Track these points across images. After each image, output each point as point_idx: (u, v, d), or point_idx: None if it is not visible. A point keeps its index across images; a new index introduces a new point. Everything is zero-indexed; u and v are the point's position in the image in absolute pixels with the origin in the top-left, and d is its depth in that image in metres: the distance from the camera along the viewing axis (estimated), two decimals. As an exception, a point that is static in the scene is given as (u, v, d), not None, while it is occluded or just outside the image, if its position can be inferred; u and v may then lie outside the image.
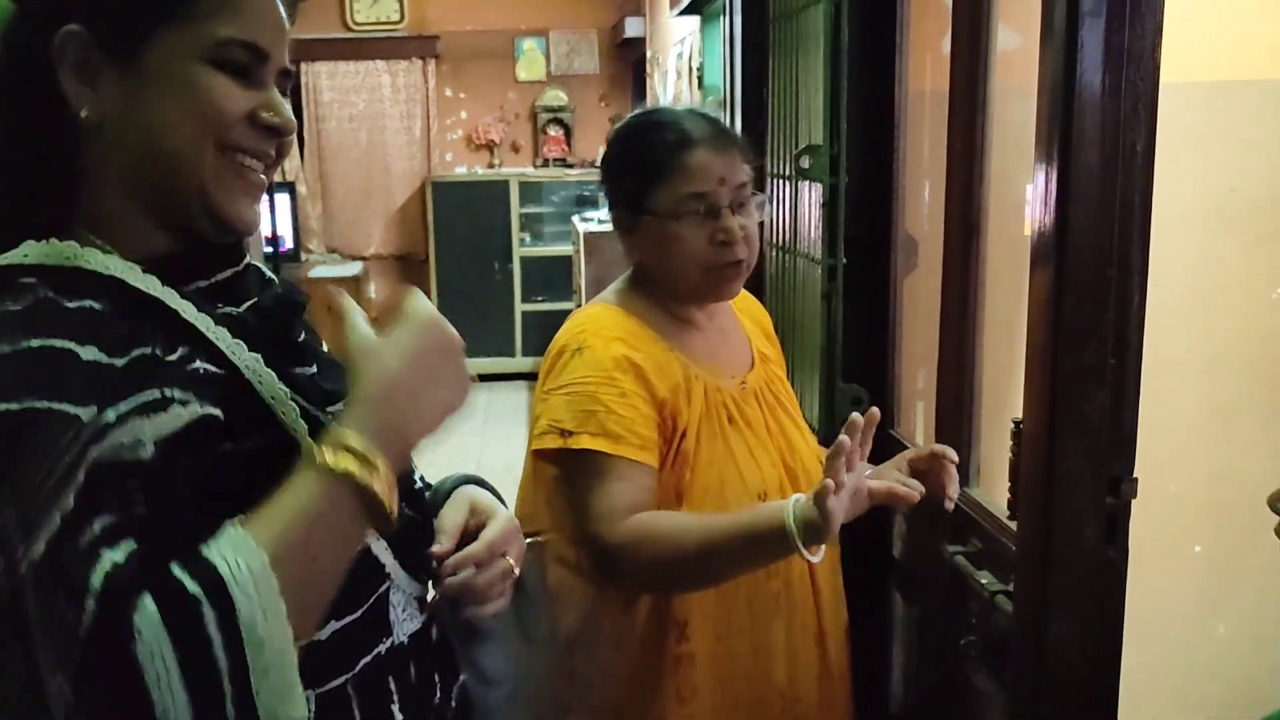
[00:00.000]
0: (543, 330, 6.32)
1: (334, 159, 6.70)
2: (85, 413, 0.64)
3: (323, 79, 6.59)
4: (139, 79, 0.74)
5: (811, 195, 1.73)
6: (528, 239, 6.54)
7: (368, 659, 0.79)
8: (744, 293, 1.47)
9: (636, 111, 1.41)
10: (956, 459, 1.26)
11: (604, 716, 1.33)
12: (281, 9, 0.80)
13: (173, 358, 0.71)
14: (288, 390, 0.77)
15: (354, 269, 6.52)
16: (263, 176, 0.79)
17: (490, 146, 6.83)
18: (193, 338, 0.73)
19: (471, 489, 0.95)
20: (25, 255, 0.73)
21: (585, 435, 1.23)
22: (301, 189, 6.60)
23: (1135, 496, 1.11)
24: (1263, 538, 2.06)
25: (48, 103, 0.74)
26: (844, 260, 1.68)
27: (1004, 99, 1.44)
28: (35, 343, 0.66)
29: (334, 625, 0.76)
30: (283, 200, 6.31)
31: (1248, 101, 1.85)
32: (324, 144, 6.67)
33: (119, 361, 0.68)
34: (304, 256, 6.52)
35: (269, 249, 5.96)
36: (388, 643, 0.81)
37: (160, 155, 0.75)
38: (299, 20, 6.27)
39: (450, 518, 0.90)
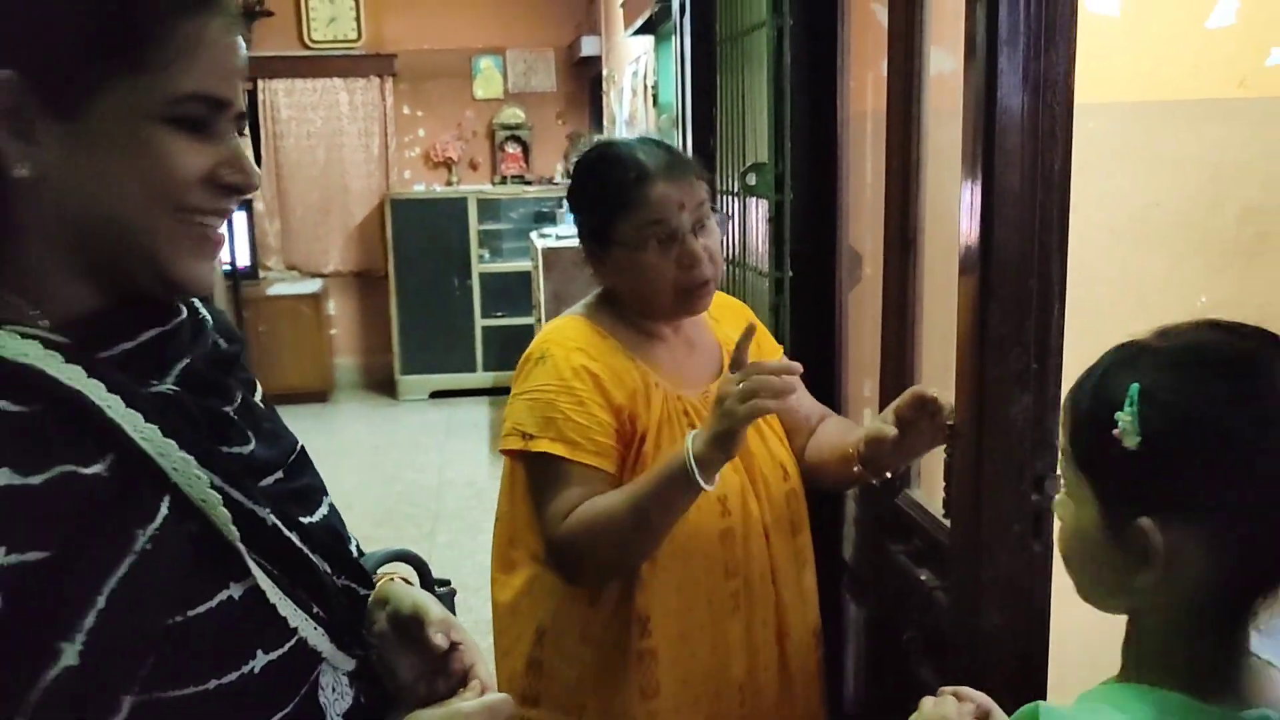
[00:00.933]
0: (503, 345, 6.34)
1: (292, 176, 6.68)
2: None
3: (280, 96, 6.58)
4: (84, 135, 0.67)
5: (758, 211, 1.80)
6: (487, 255, 6.56)
7: None
8: (730, 299, 1.57)
9: (593, 144, 1.48)
10: (936, 394, 1.30)
11: (569, 710, 1.37)
12: (241, 47, 0.73)
13: (95, 469, 0.65)
14: (219, 493, 0.70)
15: (313, 286, 6.51)
16: (221, 232, 0.74)
17: (448, 164, 6.86)
18: (115, 440, 0.66)
19: (424, 595, 0.89)
20: None
21: (545, 440, 1.31)
22: (259, 206, 6.58)
23: (1058, 494, 1.18)
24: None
25: None
26: (790, 273, 1.75)
27: (937, 119, 1.51)
28: None
29: None
30: (240, 218, 6.29)
31: (1168, 121, 1.95)
32: (282, 161, 6.66)
33: (35, 481, 0.62)
34: (262, 274, 6.50)
35: (227, 269, 5.94)
36: None
37: (108, 220, 0.68)
38: (256, 37, 6.27)
39: (441, 616, 0.85)
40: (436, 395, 6.45)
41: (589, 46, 6.14)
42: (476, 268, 6.48)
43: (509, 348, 6.20)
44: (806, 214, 1.77)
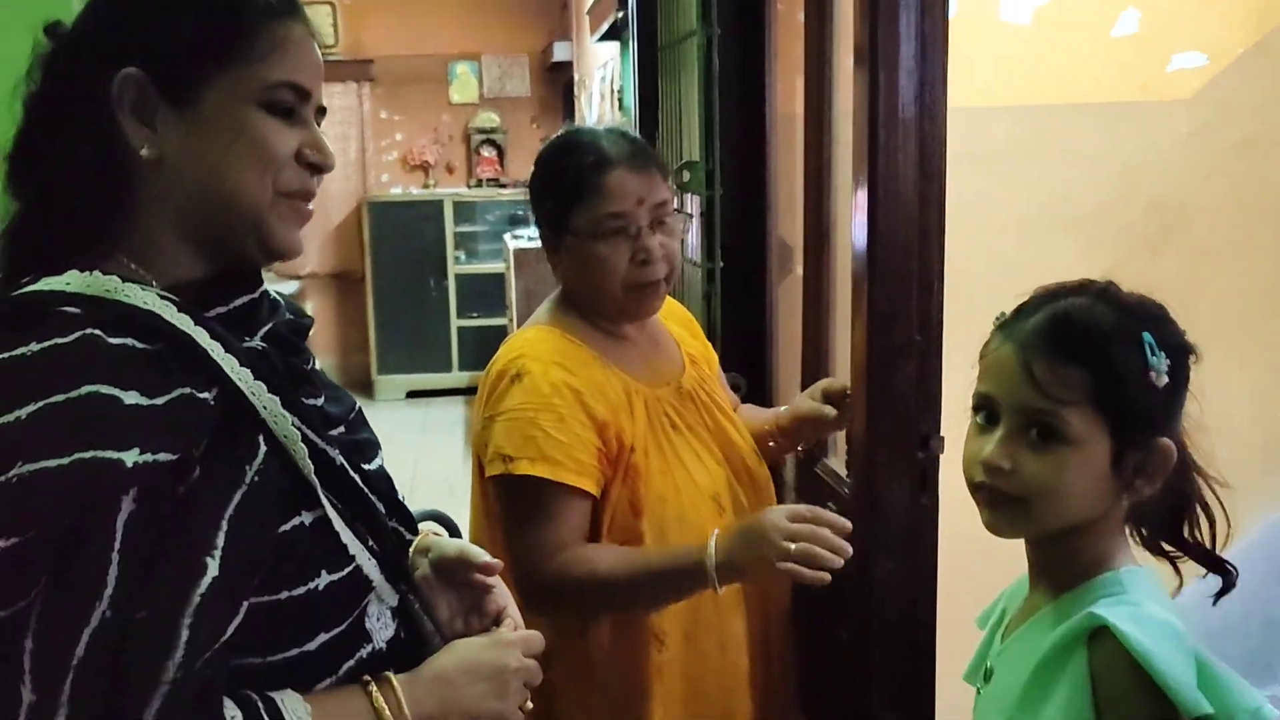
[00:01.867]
0: (478, 345, 6.44)
1: (269, 180, 6.77)
2: (128, 456, 0.68)
3: (257, 102, 6.67)
4: (195, 120, 0.79)
5: (692, 206, 1.93)
6: (462, 257, 6.66)
7: (350, 663, 0.85)
8: (667, 299, 1.54)
9: (559, 132, 1.44)
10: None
11: None
12: (317, 49, 0.85)
13: (206, 395, 0.75)
14: (299, 431, 0.80)
15: (290, 287, 6.60)
16: (310, 207, 0.85)
17: (425, 167, 6.96)
18: (218, 378, 0.76)
19: (467, 543, 1.03)
20: (68, 284, 0.76)
21: (524, 461, 1.24)
22: (237, 210, 6.67)
23: (943, 452, 1.31)
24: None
25: (103, 138, 0.77)
26: (721, 264, 1.88)
27: (848, 120, 1.65)
28: (85, 389, 0.69)
29: (322, 637, 0.82)
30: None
31: (1077, 122, 2.10)
32: (259, 165, 6.74)
33: (159, 401, 0.72)
34: (240, 276, 6.58)
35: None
36: (368, 648, 0.86)
37: (218, 193, 0.80)
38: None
39: (485, 559, 0.98)
40: (413, 395, 6.55)
41: (561, 52, 6.27)
42: (452, 269, 6.57)
43: (484, 348, 6.25)
44: (736, 208, 1.90)
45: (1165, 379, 0.85)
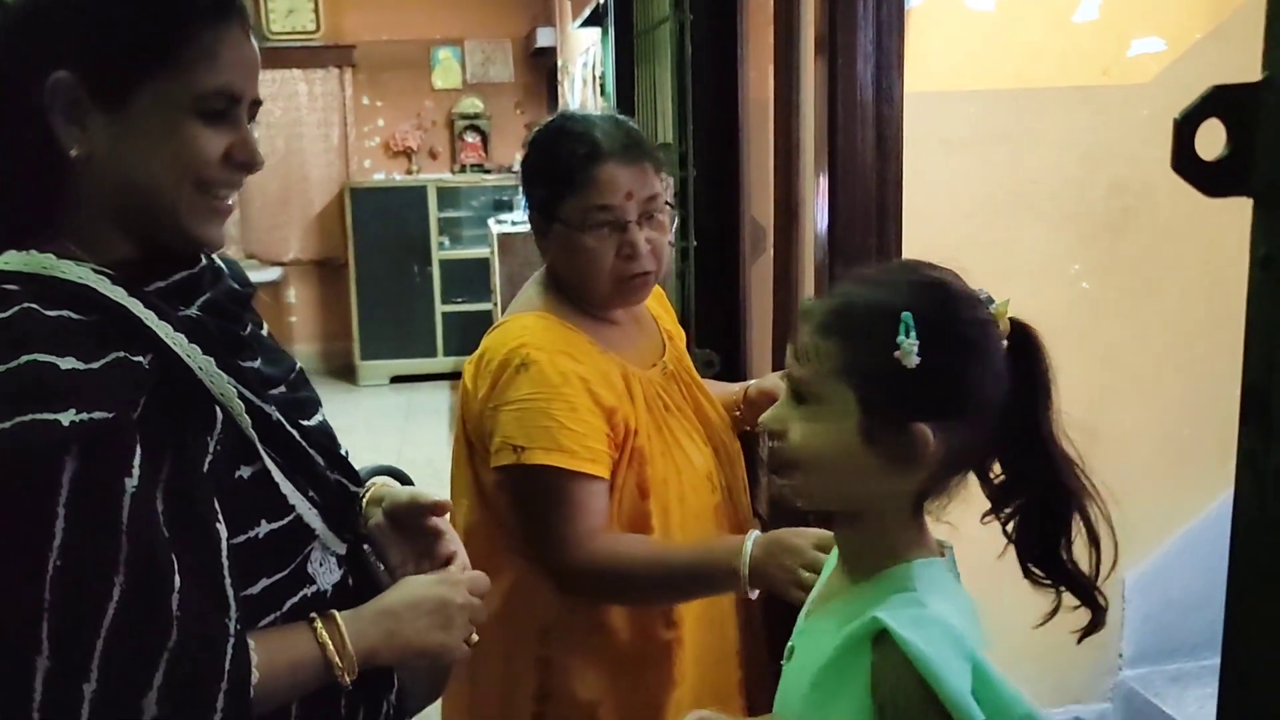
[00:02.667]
0: (463, 331, 6.47)
1: (251, 166, 6.77)
2: (64, 416, 0.72)
3: (239, 87, 6.67)
4: (125, 123, 0.82)
5: (667, 187, 1.99)
6: (447, 242, 6.67)
7: (294, 600, 0.91)
8: None
9: (555, 115, 1.43)
10: None
11: (583, 705, 1.33)
12: (254, 47, 0.87)
13: (140, 359, 0.79)
14: (236, 388, 0.85)
15: (273, 274, 6.61)
16: (231, 202, 0.89)
17: (408, 153, 6.97)
18: (153, 344, 0.80)
19: (418, 489, 1.08)
20: (6, 263, 0.80)
21: (539, 450, 1.24)
22: (219, 196, 6.66)
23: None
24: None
25: (35, 135, 0.81)
26: (695, 243, 1.93)
27: (813, 105, 1.70)
28: (24, 359, 0.73)
29: (264, 582, 0.88)
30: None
31: (1041, 106, 2.15)
32: (241, 151, 6.74)
33: (95, 365, 0.76)
34: (223, 262, 6.59)
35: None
36: (312, 589, 0.92)
37: (141, 191, 0.83)
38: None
39: (434, 502, 1.04)
40: (397, 380, 6.58)
41: (545, 38, 6.28)
42: (436, 255, 6.59)
43: (469, 333, 6.32)
44: (710, 190, 1.95)
45: (915, 359, 0.81)
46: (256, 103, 0.89)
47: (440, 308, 6.62)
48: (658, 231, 1.32)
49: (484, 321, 6.45)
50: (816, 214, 1.35)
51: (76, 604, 0.73)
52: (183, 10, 0.83)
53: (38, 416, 0.72)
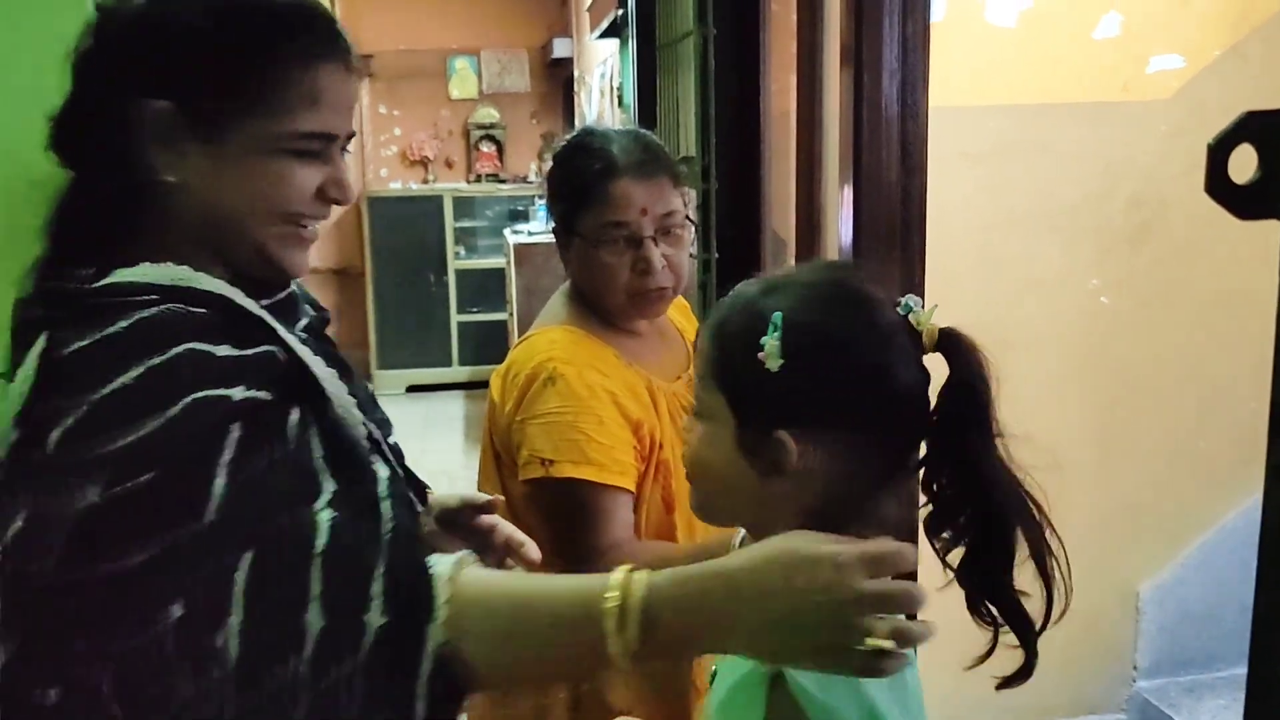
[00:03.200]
0: (478, 341, 6.50)
1: (270, 174, 6.82)
2: (235, 393, 0.73)
3: (259, 97, 6.73)
4: (221, 156, 0.81)
5: (689, 200, 2.01)
6: (462, 252, 6.70)
7: None
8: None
9: (577, 130, 1.45)
10: None
11: (613, 715, 1.31)
12: (353, 84, 0.87)
13: (284, 359, 0.79)
14: (353, 400, 0.85)
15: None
16: (316, 230, 0.89)
17: (424, 162, 7.02)
18: (288, 351, 0.80)
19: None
20: (144, 274, 0.79)
21: (567, 464, 1.25)
22: (238, 204, 6.72)
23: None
24: (1092, 494, 2.40)
25: (127, 156, 0.81)
26: (716, 255, 1.95)
27: (837, 118, 1.72)
28: (178, 349, 0.73)
29: None
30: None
31: (1061, 121, 2.17)
32: (260, 160, 6.80)
33: (249, 352, 0.76)
34: (241, 270, 6.64)
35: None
36: None
37: (229, 221, 0.83)
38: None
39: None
40: (413, 389, 6.61)
41: (561, 48, 6.32)
42: (452, 264, 6.60)
43: (485, 343, 6.36)
44: (731, 202, 1.97)
45: (778, 362, 0.76)
46: (350, 135, 0.89)
47: (456, 317, 6.64)
48: (675, 247, 1.32)
49: (499, 331, 6.49)
50: (840, 227, 1.37)
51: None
52: (290, 52, 0.82)
53: (210, 393, 0.72)
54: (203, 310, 0.78)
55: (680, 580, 0.70)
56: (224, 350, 0.75)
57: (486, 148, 7.06)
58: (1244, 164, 0.50)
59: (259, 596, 0.70)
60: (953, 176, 2.13)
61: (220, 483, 0.71)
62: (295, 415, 0.77)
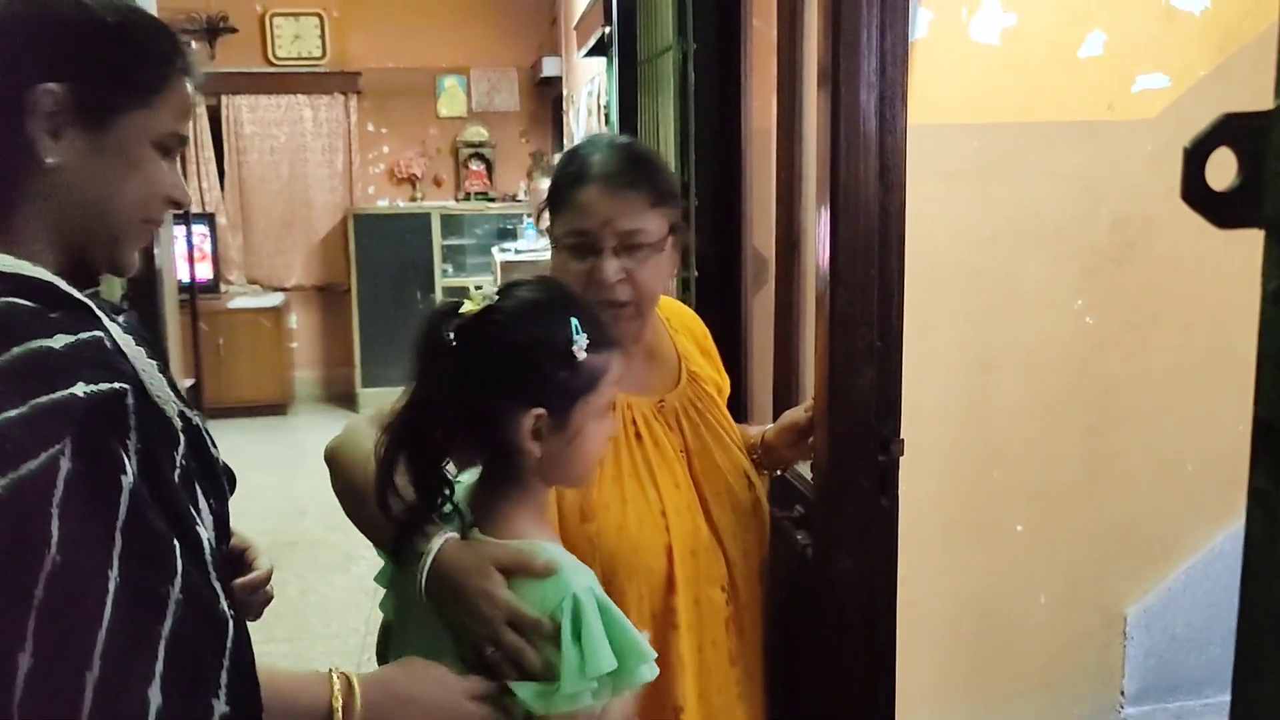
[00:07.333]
0: (464, 358, 6.46)
1: (255, 191, 6.81)
2: (80, 389, 0.75)
3: (244, 112, 6.72)
4: (99, 143, 0.87)
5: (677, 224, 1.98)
6: (450, 270, 6.69)
7: None
8: (685, 309, 1.55)
9: (584, 138, 1.47)
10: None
11: None
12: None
13: (110, 346, 0.81)
14: (171, 391, 0.87)
15: (274, 300, 6.62)
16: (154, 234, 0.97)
17: (412, 180, 7.01)
18: (113, 339, 0.82)
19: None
20: None
21: None
22: (222, 220, 6.70)
23: (903, 455, 1.35)
24: (1079, 516, 2.35)
25: (8, 137, 0.84)
26: (696, 273, 1.92)
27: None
28: (18, 350, 0.76)
29: None
30: (203, 232, 6.39)
31: (1046, 139, 2.16)
32: (245, 176, 6.78)
33: (84, 336, 0.79)
34: (224, 288, 6.61)
35: (186, 281, 5.93)
36: None
37: (97, 211, 0.88)
38: (220, 54, 6.40)
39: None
40: None
41: (550, 67, 6.33)
42: (440, 282, 6.60)
43: (470, 360, 6.32)
44: (713, 220, 1.95)
45: (585, 355, 1.07)
46: (184, 140, 0.98)
47: (442, 335, 6.59)
48: (637, 264, 1.28)
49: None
50: (818, 243, 1.34)
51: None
52: (172, 59, 0.92)
53: (54, 396, 0.74)
54: (30, 305, 0.80)
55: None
56: (59, 342, 0.78)
57: (475, 165, 7.05)
58: (1224, 170, 0.47)
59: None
60: (937, 195, 2.12)
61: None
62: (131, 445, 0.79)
